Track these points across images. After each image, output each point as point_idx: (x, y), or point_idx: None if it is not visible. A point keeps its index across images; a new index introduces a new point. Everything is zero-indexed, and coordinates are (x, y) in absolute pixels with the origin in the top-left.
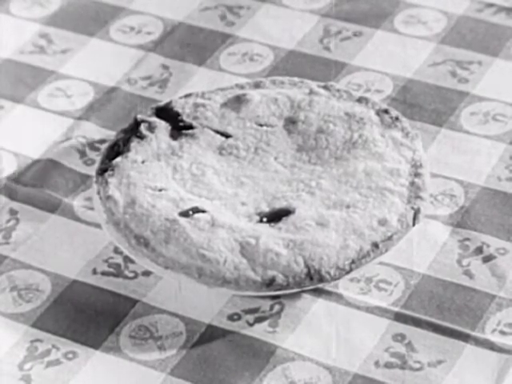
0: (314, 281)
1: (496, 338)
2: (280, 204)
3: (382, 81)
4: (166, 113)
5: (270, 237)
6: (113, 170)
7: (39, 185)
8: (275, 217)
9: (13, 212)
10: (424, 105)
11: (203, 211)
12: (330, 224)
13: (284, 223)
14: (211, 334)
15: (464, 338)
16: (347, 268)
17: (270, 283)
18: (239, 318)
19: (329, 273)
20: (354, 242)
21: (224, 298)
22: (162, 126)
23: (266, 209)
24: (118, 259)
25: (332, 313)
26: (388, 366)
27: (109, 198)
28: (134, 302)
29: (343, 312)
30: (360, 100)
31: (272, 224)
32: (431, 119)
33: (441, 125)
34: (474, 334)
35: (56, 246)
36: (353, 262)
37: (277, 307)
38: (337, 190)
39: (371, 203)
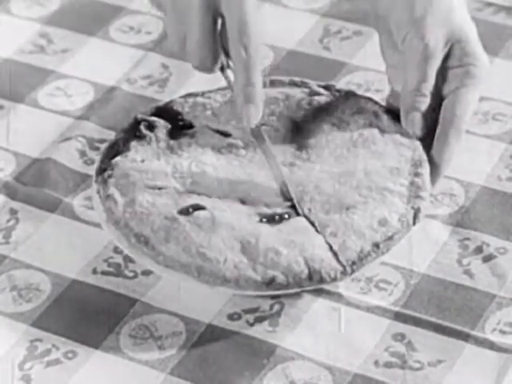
0: (314, 281)
1: (496, 338)
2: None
3: (382, 80)
4: (165, 112)
5: (270, 236)
6: (112, 169)
7: (39, 184)
8: (276, 218)
9: (13, 212)
10: None
11: (203, 208)
12: (329, 227)
13: (285, 225)
14: (211, 333)
15: (464, 337)
16: (348, 269)
17: (270, 283)
18: (239, 317)
19: (329, 274)
20: (354, 243)
21: (224, 298)
22: (162, 125)
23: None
24: (118, 259)
25: (332, 312)
26: (388, 365)
27: (108, 197)
28: (134, 301)
29: (343, 311)
30: (361, 99)
31: (272, 225)
32: None
33: None
34: (473, 333)
35: (56, 246)
36: (353, 263)
37: (277, 307)
38: (336, 190)
39: (371, 204)
